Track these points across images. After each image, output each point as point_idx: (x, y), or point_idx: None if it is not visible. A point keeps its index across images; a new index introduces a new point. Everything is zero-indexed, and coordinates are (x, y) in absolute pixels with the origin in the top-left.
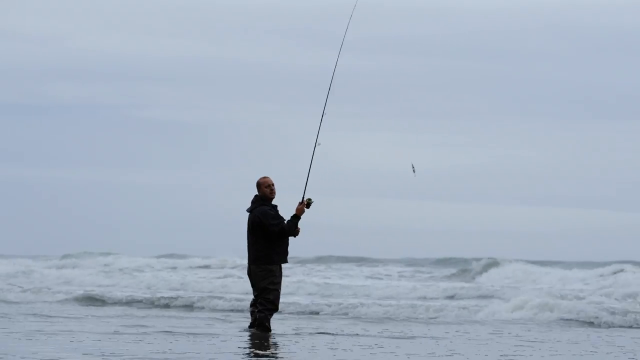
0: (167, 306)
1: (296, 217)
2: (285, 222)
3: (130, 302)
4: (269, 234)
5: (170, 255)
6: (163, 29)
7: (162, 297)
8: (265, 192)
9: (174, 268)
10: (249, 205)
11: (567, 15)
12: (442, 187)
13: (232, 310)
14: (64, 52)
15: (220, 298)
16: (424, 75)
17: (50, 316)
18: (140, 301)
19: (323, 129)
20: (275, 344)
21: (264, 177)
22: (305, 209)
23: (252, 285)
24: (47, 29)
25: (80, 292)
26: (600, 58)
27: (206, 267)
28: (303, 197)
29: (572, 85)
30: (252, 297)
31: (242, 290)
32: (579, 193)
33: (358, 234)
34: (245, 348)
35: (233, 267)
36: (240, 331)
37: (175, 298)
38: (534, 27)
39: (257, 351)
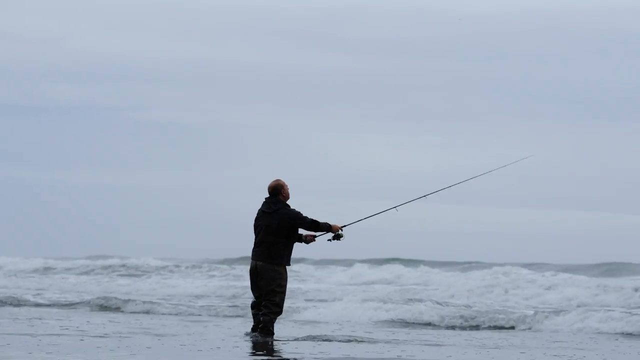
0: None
1: (329, 227)
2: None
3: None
4: (294, 232)
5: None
6: (163, 29)
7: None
8: (288, 193)
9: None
10: (247, 204)
11: (567, 17)
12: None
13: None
14: (63, 52)
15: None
16: (424, 76)
17: None
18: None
19: (323, 129)
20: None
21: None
22: (333, 232)
23: (254, 284)
24: (46, 30)
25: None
26: (600, 59)
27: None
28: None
29: (572, 85)
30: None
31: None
32: (579, 194)
33: (358, 235)
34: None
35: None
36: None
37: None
38: (534, 28)
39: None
